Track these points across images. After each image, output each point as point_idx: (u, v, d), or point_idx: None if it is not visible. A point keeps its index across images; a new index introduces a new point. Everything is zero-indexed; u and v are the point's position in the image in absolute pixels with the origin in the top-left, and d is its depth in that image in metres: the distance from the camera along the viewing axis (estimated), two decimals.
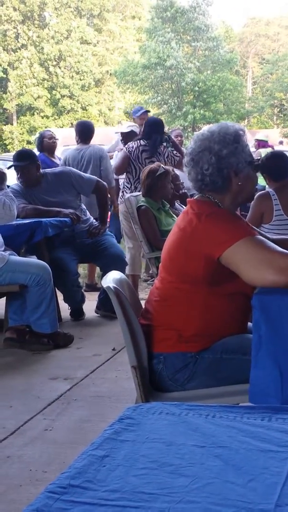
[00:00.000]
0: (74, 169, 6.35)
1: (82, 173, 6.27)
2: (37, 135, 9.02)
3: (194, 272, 2.66)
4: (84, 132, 7.35)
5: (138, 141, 6.92)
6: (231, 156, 2.69)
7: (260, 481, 1.28)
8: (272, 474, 1.30)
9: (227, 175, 2.71)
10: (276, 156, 5.00)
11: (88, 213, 6.20)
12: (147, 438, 1.51)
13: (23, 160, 5.83)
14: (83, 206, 6.21)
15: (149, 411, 1.68)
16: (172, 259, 2.76)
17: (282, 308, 2.43)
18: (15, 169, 5.94)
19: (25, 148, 7.60)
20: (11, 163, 5.98)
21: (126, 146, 7.07)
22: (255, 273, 2.51)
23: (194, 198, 2.83)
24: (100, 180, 6.32)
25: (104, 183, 6.35)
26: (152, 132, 6.87)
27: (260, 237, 2.64)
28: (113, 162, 7.45)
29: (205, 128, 2.85)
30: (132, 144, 6.91)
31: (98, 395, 4.12)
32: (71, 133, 8.33)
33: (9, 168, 6.14)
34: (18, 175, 5.96)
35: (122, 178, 7.41)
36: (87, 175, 6.37)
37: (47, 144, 8.08)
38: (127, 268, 6.42)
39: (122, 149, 7.51)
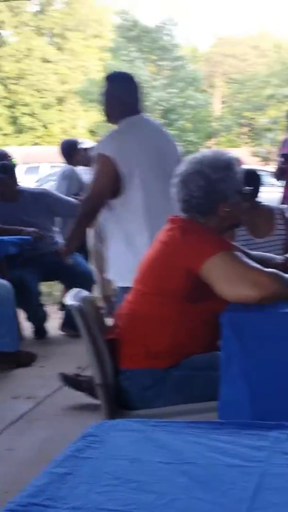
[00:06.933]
0: (53, 191, 6.32)
1: (61, 195, 6.23)
2: None
3: (174, 286, 2.67)
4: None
5: None
6: (221, 182, 2.72)
7: (228, 497, 1.26)
8: (239, 490, 1.28)
9: (214, 200, 2.74)
10: (245, 175, 4.92)
11: (57, 237, 6.13)
12: (110, 455, 1.47)
13: (1, 172, 5.81)
14: (56, 229, 6.16)
15: (112, 428, 1.65)
16: (152, 272, 2.76)
17: (251, 325, 2.45)
18: None
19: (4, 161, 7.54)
20: None
21: None
22: (229, 286, 2.54)
23: (177, 216, 2.85)
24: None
25: None
26: None
27: (238, 252, 2.67)
28: None
29: (199, 152, 2.91)
30: None
31: (61, 414, 4.06)
32: (32, 151, 8.26)
33: None
34: None
35: None
36: (66, 198, 6.28)
37: None
38: (99, 290, 6.39)
39: None
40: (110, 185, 3.77)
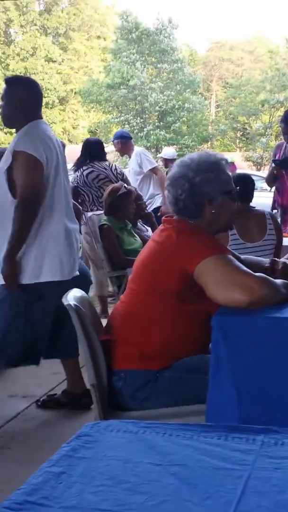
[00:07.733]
0: None
1: None
2: None
3: (167, 286, 2.69)
4: None
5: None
6: (205, 184, 2.76)
7: (215, 499, 1.29)
8: (227, 492, 1.32)
9: (200, 203, 2.77)
10: (239, 179, 4.93)
11: None
12: (104, 456, 1.51)
13: None
14: None
15: (106, 429, 1.68)
16: (146, 271, 2.79)
17: (241, 329, 2.47)
18: None
19: None
20: None
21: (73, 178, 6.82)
22: (220, 289, 2.56)
23: (171, 217, 2.88)
24: None
25: None
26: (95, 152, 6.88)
27: (231, 256, 2.69)
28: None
29: (188, 155, 2.92)
30: (76, 173, 6.84)
31: (57, 413, 4.09)
32: None
33: None
34: None
35: None
36: None
37: None
38: (95, 290, 6.43)
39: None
40: (42, 184, 3.74)
